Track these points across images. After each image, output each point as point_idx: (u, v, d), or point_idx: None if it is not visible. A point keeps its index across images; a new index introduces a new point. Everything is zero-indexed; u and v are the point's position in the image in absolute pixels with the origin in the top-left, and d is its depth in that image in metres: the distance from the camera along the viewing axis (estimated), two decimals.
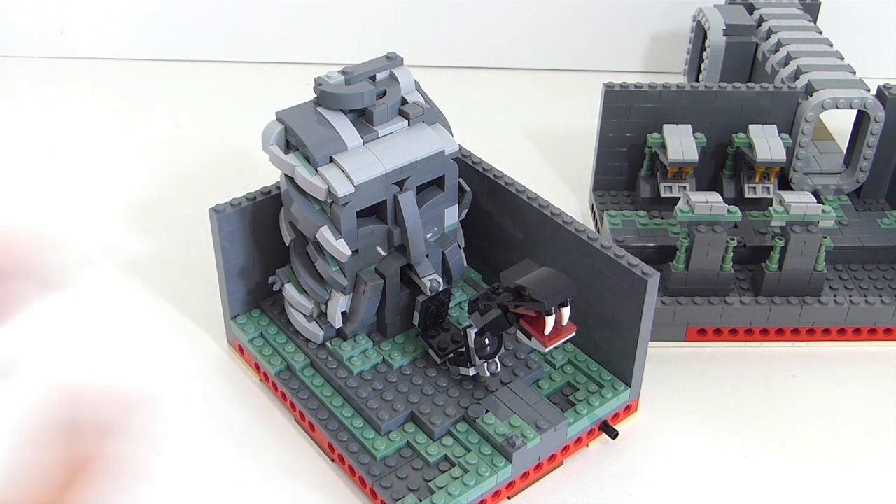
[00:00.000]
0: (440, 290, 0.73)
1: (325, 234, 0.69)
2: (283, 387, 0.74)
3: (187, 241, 0.94)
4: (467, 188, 0.76)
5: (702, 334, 0.82)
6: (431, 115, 0.73)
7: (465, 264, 0.80)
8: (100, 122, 1.16)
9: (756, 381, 0.79)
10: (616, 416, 0.73)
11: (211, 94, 1.23)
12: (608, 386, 0.73)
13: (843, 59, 0.96)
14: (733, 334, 0.82)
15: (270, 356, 0.76)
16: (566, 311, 0.64)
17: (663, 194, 0.91)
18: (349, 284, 0.72)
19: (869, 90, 0.91)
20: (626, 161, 0.96)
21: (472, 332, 0.69)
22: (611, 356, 0.74)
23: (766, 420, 0.76)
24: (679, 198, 0.83)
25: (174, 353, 0.81)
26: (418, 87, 0.74)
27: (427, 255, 0.74)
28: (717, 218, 0.79)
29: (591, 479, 0.70)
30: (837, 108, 0.89)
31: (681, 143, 0.89)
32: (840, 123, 1.04)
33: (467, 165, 0.80)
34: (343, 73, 0.71)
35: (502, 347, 0.71)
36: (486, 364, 0.70)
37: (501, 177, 0.78)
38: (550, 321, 0.63)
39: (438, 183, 0.74)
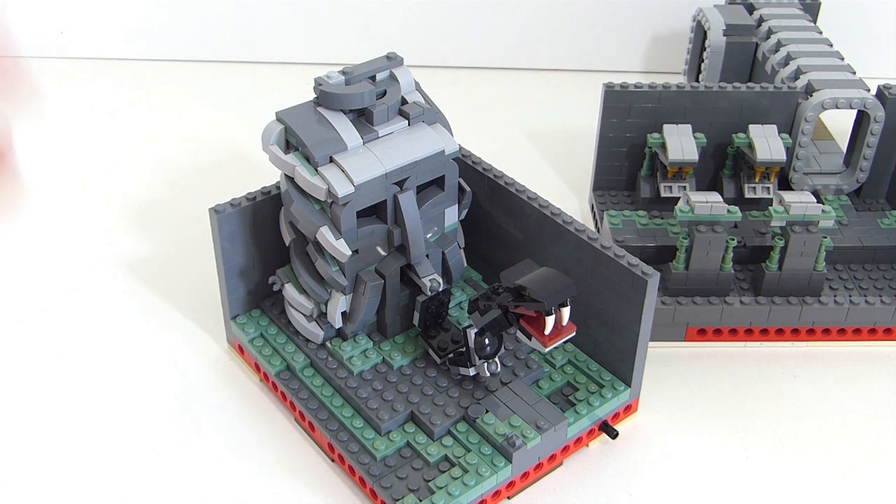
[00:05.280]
0: (440, 290, 0.73)
1: (325, 234, 0.69)
2: (283, 387, 0.74)
3: (187, 241, 0.94)
4: (467, 188, 0.76)
5: (702, 334, 0.82)
6: (431, 115, 0.73)
7: (465, 264, 0.80)
8: (99, 122, 1.16)
9: (756, 381, 0.79)
10: (616, 416, 0.73)
11: (211, 94, 1.23)
12: (608, 386, 0.73)
13: (843, 59, 0.96)
14: (733, 334, 0.82)
15: (270, 356, 0.76)
16: (566, 311, 0.64)
17: (663, 194, 0.91)
18: (349, 284, 0.72)
19: (869, 90, 0.91)
20: (626, 161, 0.96)
21: (472, 332, 0.69)
22: (611, 356, 0.74)
23: (765, 420, 0.76)
24: (679, 198, 0.83)
25: (174, 353, 0.81)
26: (418, 88, 0.74)
27: (427, 255, 0.74)
28: (717, 218, 0.79)
29: (591, 479, 0.70)
30: (837, 108, 0.89)
31: (681, 143, 0.89)
32: (840, 123, 1.04)
33: (467, 165, 0.80)
34: (343, 73, 0.71)
35: (502, 347, 0.71)
36: (486, 364, 0.70)
37: (501, 177, 0.78)
38: (550, 321, 0.63)
39: (438, 183, 0.74)
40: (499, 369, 0.71)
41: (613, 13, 1.26)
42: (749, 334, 0.82)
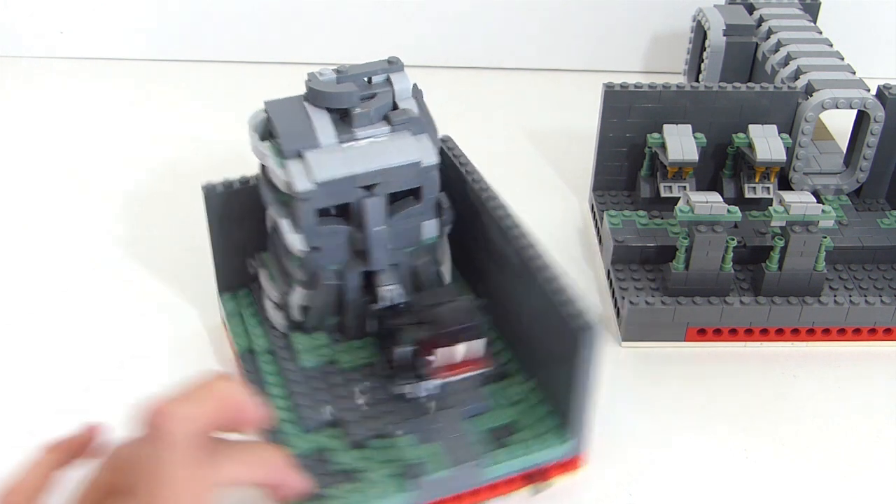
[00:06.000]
0: (398, 302, 0.72)
1: (284, 226, 0.69)
2: (240, 367, 0.75)
3: (187, 240, 0.94)
4: (445, 204, 0.74)
5: (702, 334, 0.82)
6: (418, 125, 0.71)
7: (448, 280, 0.77)
8: (99, 123, 1.16)
9: (756, 381, 0.79)
10: (555, 468, 0.68)
11: (211, 94, 1.23)
12: (551, 434, 0.67)
13: (843, 59, 0.97)
14: (733, 334, 0.82)
15: (239, 335, 0.77)
16: (461, 348, 0.63)
17: (663, 194, 0.91)
18: (306, 280, 0.72)
19: (869, 90, 0.91)
20: (626, 161, 0.96)
21: (398, 351, 0.68)
22: (561, 404, 0.67)
23: (766, 420, 0.76)
24: (679, 198, 0.83)
25: (169, 327, 0.83)
26: (419, 96, 0.73)
27: (397, 266, 0.73)
28: (717, 218, 0.79)
29: (591, 480, 0.70)
30: (837, 108, 0.89)
31: (681, 143, 0.89)
32: (840, 123, 1.04)
33: (459, 175, 0.77)
34: (337, 71, 0.71)
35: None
36: (421, 385, 0.68)
37: (488, 196, 0.73)
38: (444, 353, 0.63)
39: (417, 194, 0.72)
40: (435, 392, 0.69)
41: (613, 13, 1.26)
42: (749, 334, 0.82)
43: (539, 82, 1.28)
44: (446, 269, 0.77)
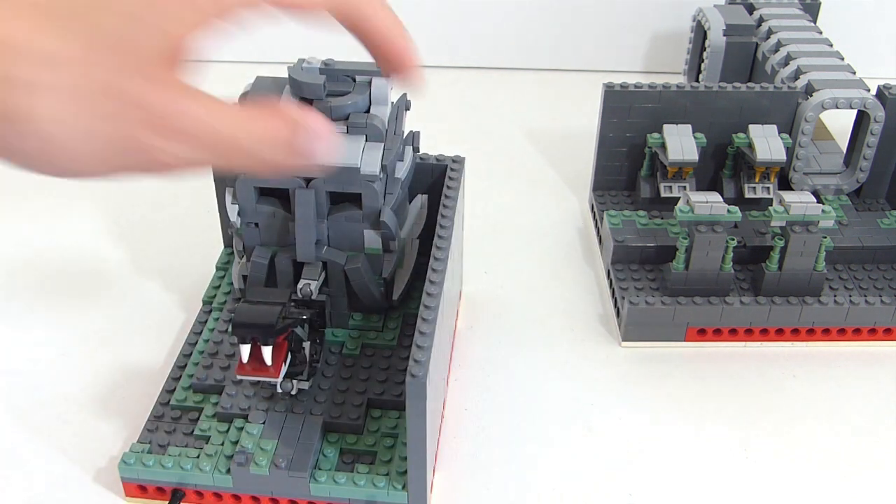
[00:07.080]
0: (313, 299, 0.71)
1: (227, 195, 0.72)
2: (199, 312, 0.80)
3: (187, 238, 0.94)
4: (391, 220, 0.72)
5: (702, 334, 0.82)
6: (376, 133, 0.69)
7: (396, 296, 0.77)
8: None
9: (756, 381, 0.79)
10: None
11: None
12: (393, 478, 0.65)
13: (843, 59, 0.97)
14: (733, 334, 0.82)
15: (212, 285, 0.82)
16: (245, 350, 0.63)
17: (663, 194, 0.91)
18: (241, 251, 0.75)
19: (869, 90, 0.91)
20: (626, 161, 0.96)
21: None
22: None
23: (766, 420, 0.76)
24: (679, 198, 0.83)
25: (172, 333, 0.82)
26: (401, 106, 0.73)
27: (326, 264, 0.73)
28: (717, 218, 0.79)
29: (591, 480, 0.70)
30: (837, 108, 0.89)
31: (681, 143, 0.89)
32: (840, 123, 1.04)
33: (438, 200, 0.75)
34: (325, 63, 0.71)
35: (307, 370, 0.69)
36: (289, 381, 0.68)
37: (441, 230, 0.71)
38: (244, 350, 0.63)
39: (360, 200, 0.71)
40: (293, 392, 0.69)
41: (613, 13, 1.26)
42: (749, 334, 0.82)
43: (539, 82, 1.28)
44: (399, 286, 0.76)
